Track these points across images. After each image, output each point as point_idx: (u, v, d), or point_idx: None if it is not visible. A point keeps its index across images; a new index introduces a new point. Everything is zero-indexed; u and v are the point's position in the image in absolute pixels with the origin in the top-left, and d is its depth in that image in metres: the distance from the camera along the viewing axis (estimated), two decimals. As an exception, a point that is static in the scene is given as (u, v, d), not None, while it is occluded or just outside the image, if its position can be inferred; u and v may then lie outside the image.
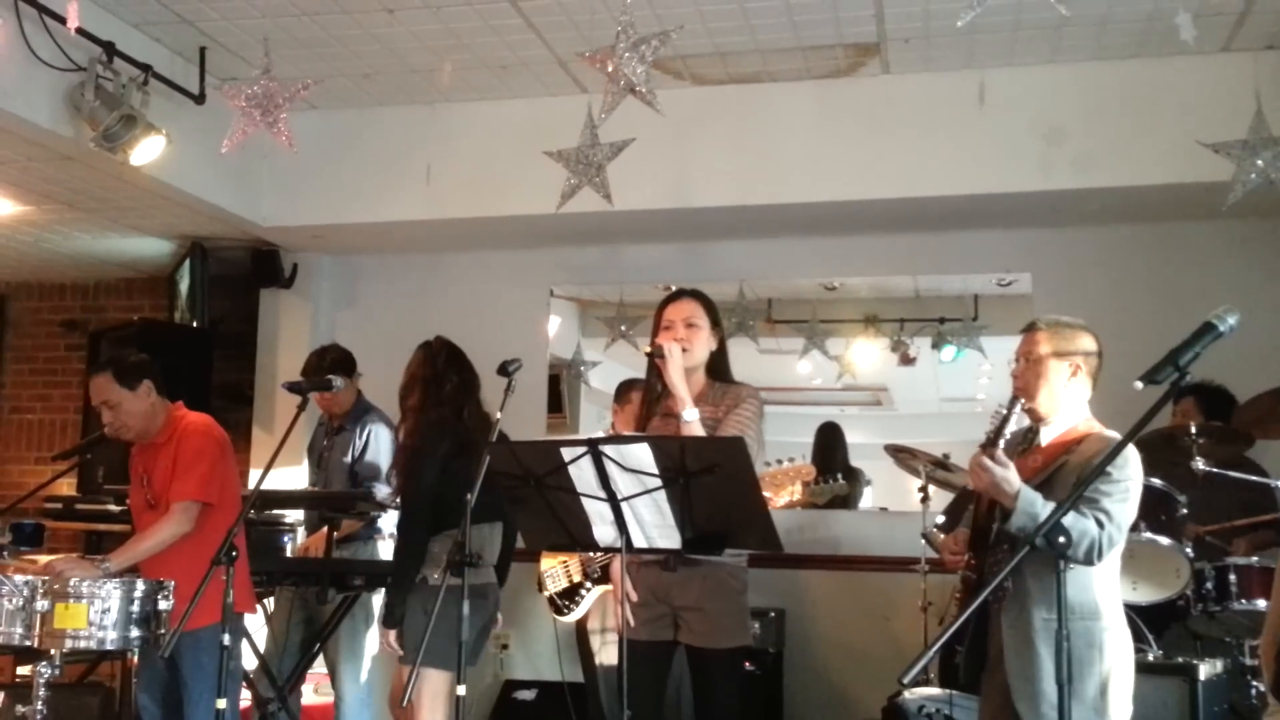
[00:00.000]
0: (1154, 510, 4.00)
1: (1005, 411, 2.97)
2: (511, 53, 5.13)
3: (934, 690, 4.38)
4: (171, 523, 3.72)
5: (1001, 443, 2.96)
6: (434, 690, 3.69)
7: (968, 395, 6.97)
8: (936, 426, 7.29)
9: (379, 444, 4.96)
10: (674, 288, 5.86)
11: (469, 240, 6.15)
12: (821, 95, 5.28)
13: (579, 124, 4.77)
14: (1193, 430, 4.21)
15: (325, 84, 5.45)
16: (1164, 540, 3.88)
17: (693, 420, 3.34)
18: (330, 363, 4.94)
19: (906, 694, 4.25)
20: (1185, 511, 4.07)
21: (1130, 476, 2.86)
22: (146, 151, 4.69)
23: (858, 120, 5.23)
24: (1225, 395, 4.65)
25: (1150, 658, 3.86)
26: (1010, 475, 2.79)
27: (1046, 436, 3.03)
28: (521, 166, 5.38)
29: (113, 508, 4.77)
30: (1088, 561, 2.77)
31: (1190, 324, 2.49)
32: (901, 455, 5.09)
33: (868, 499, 6.78)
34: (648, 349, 3.47)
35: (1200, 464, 4.16)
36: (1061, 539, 2.38)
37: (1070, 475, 2.88)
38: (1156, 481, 4.09)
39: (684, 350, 3.42)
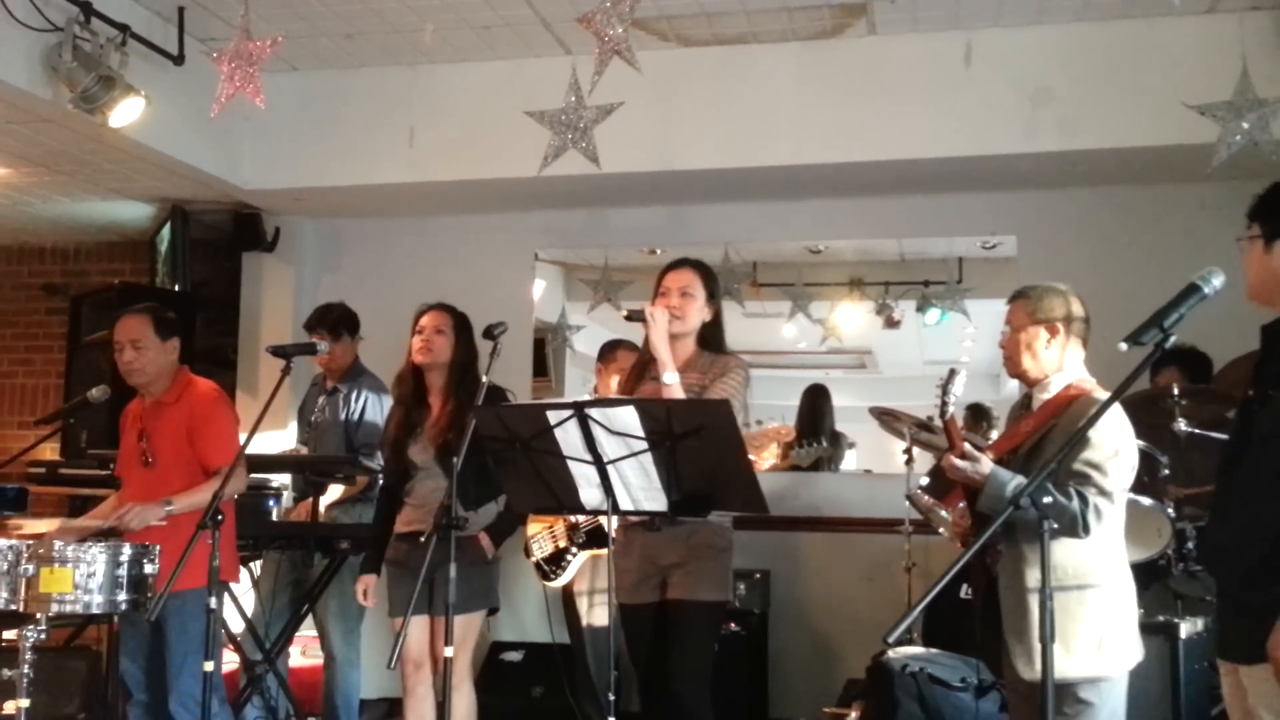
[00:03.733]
0: (1137, 471, 4.03)
1: (943, 383, 3.05)
2: (494, 13, 5.07)
3: (918, 649, 4.43)
4: (229, 483, 3.71)
5: (949, 413, 3.05)
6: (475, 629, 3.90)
7: (952, 358, 6.99)
8: (920, 389, 7.28)
9: (373, 411, 4.97)
10: (658, 251, 5.91)
11: (453, 203, 6.11)
12: (807, 56, 5.24)
13: (563, 86, 4.74)
14: (1175, 392, 4.23)
15: (306, 44, 5.40)
16: (1146, 500, 3.90)
17: (672, 383, 3.38)
18: (335, 319, 4.94)
19: (891, 653, 4.29)
20: (1167, 473, 4.10)
21: (1113, 440, 2.90)
22: (125, 113, 4.64)
23: (844, 82, 5.20)
24: (1204, 359, 4.68)
25: (1132, 618, 3.91)
26: (980, 466, 2.90)
27: (1039, 400, 3.08)
28: (505, 129, 5.33)
29: (97, 472, 4.76)
30: (1073, 534, 2.83)
31: (1175, 286, 2.50)
32: (886, 418, 5.11)
33: (850, 462, 6.81)
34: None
35: (1182, 425, 4.18)
36: (1047, 499, 2.40)
37: (1059, 438, 2.92)
38: (1139, 443, 4.12)
39: (675, 318, 3.48)
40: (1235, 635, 2.46)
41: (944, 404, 3.05)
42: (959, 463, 2.92)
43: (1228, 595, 2.51)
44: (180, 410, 3.92)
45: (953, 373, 3.06)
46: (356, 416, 4.96)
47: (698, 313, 3.54)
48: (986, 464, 2.89)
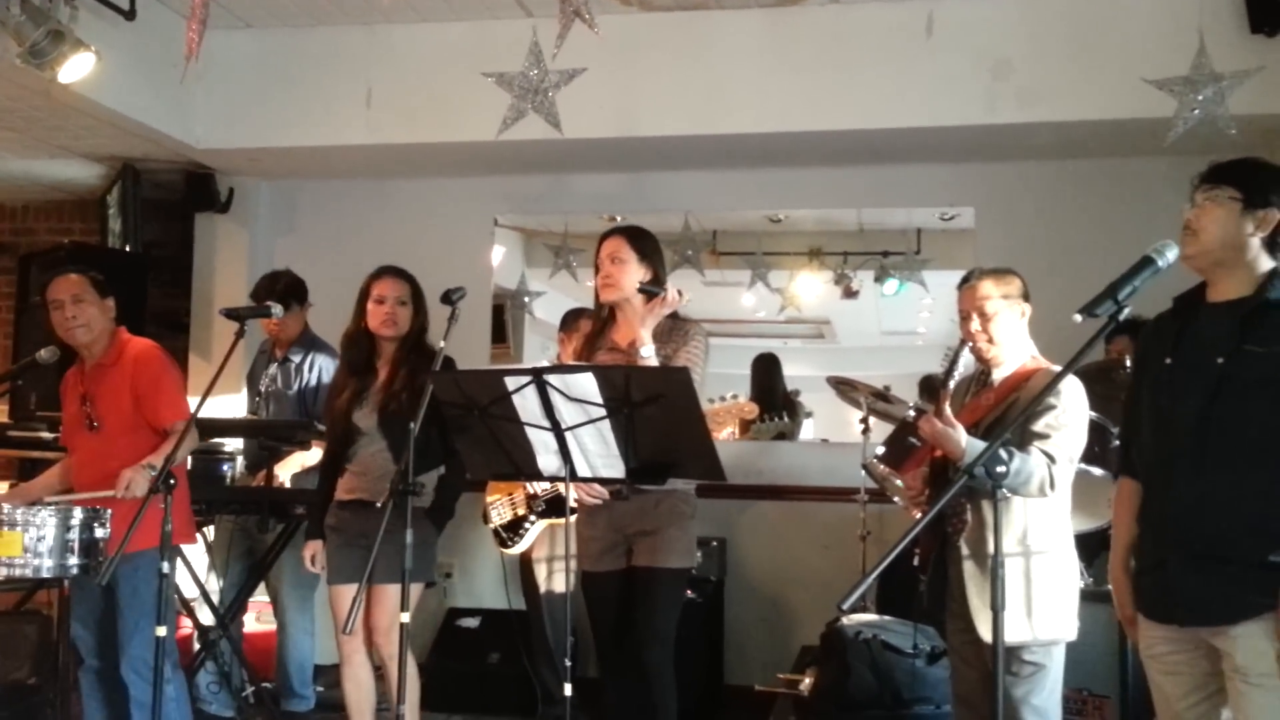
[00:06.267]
0: (1087, 442, 4.08)
1: (954, 353, 3.13)
2: (455, -27, 5.00)
3: (871, 616, 4.48)
4: (188, 439, 3.67)
5: (952, 384, 3.13)
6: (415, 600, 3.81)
7: (909, 329, 7.04)
8: (878, 359, 7.36)
9: (327, 378, 4.90)
10: (619, 218, 5.89)
11: (411, 167, 6.04)
12: (770, 24, 5.22)
13: (523, 49, 4.68)
14: (1127, 364, 4.28)
15: (262, 1, 5.30)
16: (1096, 471, 3.96)
17: (649, 357, 3.40)
18: (282, 289, 4.86)
19: (844, 620, 4.34)
20: (1118, 443, 4.15)
21: (1073, 407, 3.02)
22: (75, 69, 4.54)
23: (806, 50, 5.19)
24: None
25: (1080, 585, 3.97)
26: (956, 435, 2.92)
27: (999, 376, 3.16)
28: (465, 91, 5.28)
29: (46, 434, 4.69)
30: (1041, 494, 2.93)
31: (1131, 259, 2.52)
32: (843, 387, 5.15)
33: (807, 431, 6.85)
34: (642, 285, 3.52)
35: (1134, 397, 4.24)
36: (1000, 468, 2.44)
37: (1021, 410, 2.98)
38: (1091, 414, 4.18)
39: (609, 285, 3.51)
40: (1215, 595, 2.42)
41: (950, 371, 3.10)
42: (940, 425, 2.93)
43: (1206, 554, 2.44)
44: (121, 371, 3.84)
45: (963, 342, 3.14)
46: (313, 384, 4.90)
47: (631, 275, 3.54)
48: (963, 439, 2.92)
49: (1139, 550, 2.64)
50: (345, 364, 4.00)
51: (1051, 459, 2.92)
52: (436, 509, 3.80)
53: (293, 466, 4.79)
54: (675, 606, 3.50)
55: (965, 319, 3.15)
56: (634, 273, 3.54)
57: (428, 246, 5.68)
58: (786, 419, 5.53)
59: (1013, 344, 3.14)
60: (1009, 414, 3.04)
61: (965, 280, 3.20)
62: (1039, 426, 2.96)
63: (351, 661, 3.87)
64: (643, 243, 3.59)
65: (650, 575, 3.43)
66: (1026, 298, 3.16)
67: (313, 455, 4.81)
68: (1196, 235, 2.52)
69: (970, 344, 3.14)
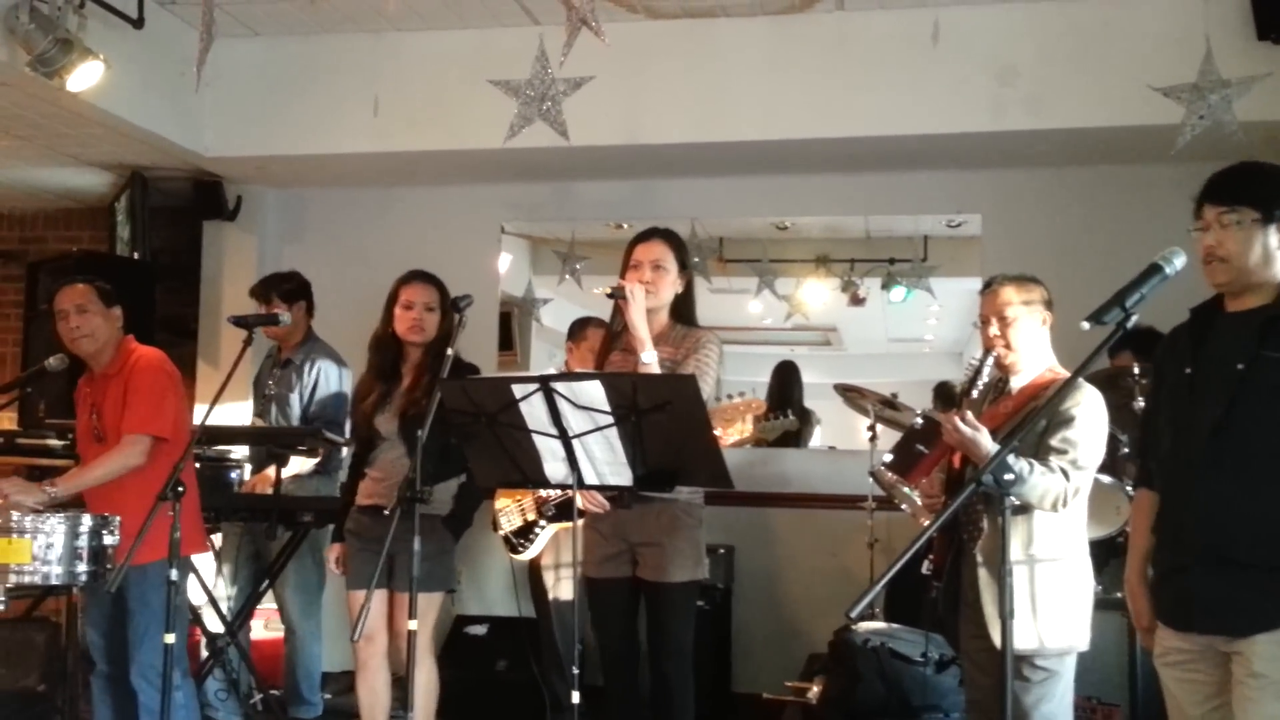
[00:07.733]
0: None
1: (978, 364, 3.14)
2: (462, -19, 5.02)
3: (879, 624, 4.47)
4: (121, 454, 3.68)
5: (975, 393, 3.12)
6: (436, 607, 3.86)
7: (916, 336, 7.02)
8: (885, 366, 7.34)
9: (329, 383, 4.91)
10: (625, 225, 5.89)
11: (418, 174, 6.06)
12: (776, 31, 5.22)
13: (530, 56, 4.69)
14: (1135, 371, 4.28)
15: (269, 9, 5.32)
16: (1105, 478, 3.95)
17: (651, 363, 3.37)
18: (289, 290, 4.87)
19: (853, 628, 4.33)
20: (1126, 450, 4.14)
21: (1092, 421, 3.01)
22: (84, 77, 4.56)
23: (812, 57, 5.19)
24: (1157, 337, 4.72)
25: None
26: (981, 438, 2.92)
27: (1017, 384, 3.16)
28: (472, 99, 5.29)
29: (54, 442, 4.70)
30: (1053, 510, 2.94)
31: (1138, 266, 2.52)
32: (850, 394, 5.15)
33: (815, 438, 6.85)
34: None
35: (1142, 404, 4.23)
36: (1008, 476, 2.43)
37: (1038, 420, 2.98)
38: (1100, 422, 4.17)
39: (648, 293, 3.44)
40: (1236, 603, 2.40)
41: (974, 380, 3.11)
42: (962, 424, 2.92)
43: (1226, 560, 2.43)
44: (122, 381, 3.83)
45: (988, 351, 3.14)
46: (311, 388, 4.91)
47: (671, 285, 3.52)
48: (987, 443, 2.92)
49: (1157, 558, 2.63)
50: (371, 368, 3.99)
51: (1067, 476, 2.92)
52: (454, 517, 3.80)
53: (293, 468, 4.79)
54: (689, 618, 3.49)
55: (985, 324, 3.16)
56: (673, 283, 3.52)
57: (434, 254, 5.63)
58: (793, 417, 5.52)
59: (1031, 352, 3.13)
60: (1025, 423, 3.01)
61: (988, 285, 3.21)
62: (1056, 441, 2.96)
63: (367, 668, 3.87)
64: (683, 252, 3.57)
65: (659, 590, 3.42)
66: (1049, 306, 3.15)
67: (308, 463, 4.82)
68: (1228, 262, 2.51)
69: (991, 351, 3.13)
